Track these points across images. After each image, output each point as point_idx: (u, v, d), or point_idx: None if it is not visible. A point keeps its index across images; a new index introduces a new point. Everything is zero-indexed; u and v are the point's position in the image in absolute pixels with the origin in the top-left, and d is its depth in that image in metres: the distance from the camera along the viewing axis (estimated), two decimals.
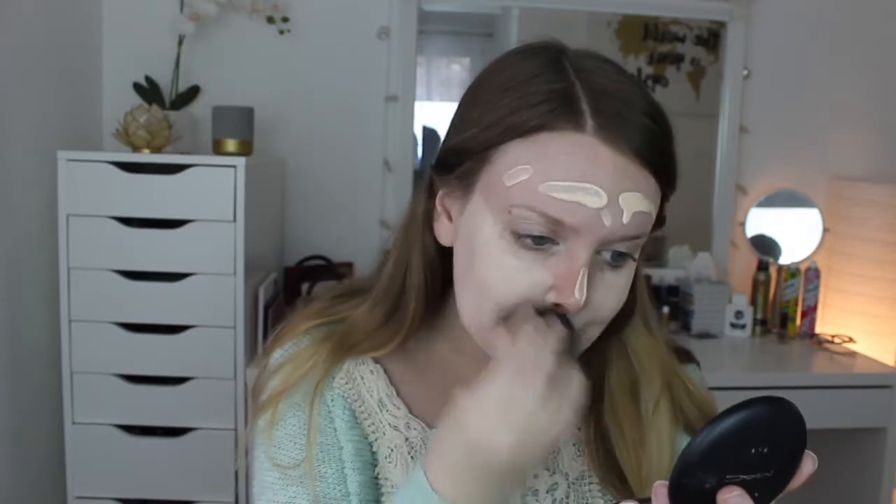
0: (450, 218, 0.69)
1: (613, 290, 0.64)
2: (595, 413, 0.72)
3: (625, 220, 0.61)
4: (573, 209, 0.60)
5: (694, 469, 0.51)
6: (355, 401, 0.72)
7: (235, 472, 1.88)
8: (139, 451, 1.86)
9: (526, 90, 0.62)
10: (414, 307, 0.71)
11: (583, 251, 0.61)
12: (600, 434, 0.72)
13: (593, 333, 0.66)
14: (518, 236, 0.61)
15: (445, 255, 0.70)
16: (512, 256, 0.62)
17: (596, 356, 0.71)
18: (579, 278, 0.60)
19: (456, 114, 0.69)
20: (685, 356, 0.81)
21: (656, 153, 0.62)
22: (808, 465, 0.52)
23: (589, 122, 0.60)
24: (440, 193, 0.69)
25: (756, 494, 0.51)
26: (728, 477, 0.51)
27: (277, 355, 0.75)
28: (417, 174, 2.42)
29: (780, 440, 0.51)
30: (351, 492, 0.69)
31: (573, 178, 0.60)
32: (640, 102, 0.63)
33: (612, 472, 0.72)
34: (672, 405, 0.74)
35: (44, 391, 1.91)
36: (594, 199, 0.60)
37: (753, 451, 0.50)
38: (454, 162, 0.66)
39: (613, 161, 0.60)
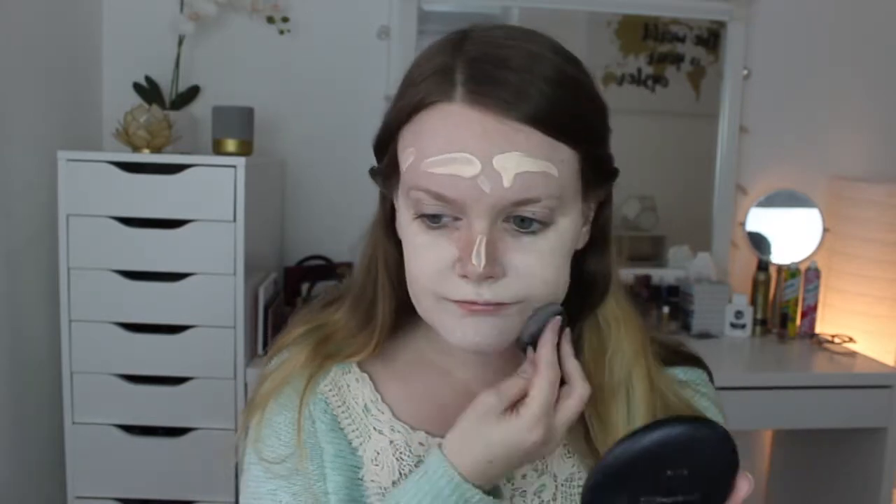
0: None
1: (535, 254, 0.62)
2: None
3: (506, 183, 0.59)
4: (450, 182, 0.60)
5: (602, 489, 0.49)
6: (338, 407, 0.74)
7: (235, 472, 1.88)
8: (139, 451, 1.86)
9: (415, 73, 0.64)
10: (383, 308, 0.72)
11: (477, 220, 0.60)
12: (585, 430, 0.70)
13: (537, 299, 0.64)
14: (420, 217, 0.63)
15: None
16: (422, 237, 0.63)
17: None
18: (475, 246, 0.60)
19: None
20: (692, 361, 0.79)
21: (541, 108, 0.60)
22: (744, 486, 0.51)
23: (458, 90, 0.60)
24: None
25: None
26: (643, 499, 0.48)
27: (273, 364, 0.77)
28: None
29: (702, 463, 0.48)
30: (330, 490, 0.71)
31: (444, 150, 0.60)
32: (521, 60, 0.61)
33: None
34: (648, 376, 0.70)
35: (44, 391, 1.91)
36: (466, 167, 0.59)
37: (670, 472, 0.48)
38: (379, 156, 0.69)
39: (482, 123, 0.59)
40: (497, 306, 0.62)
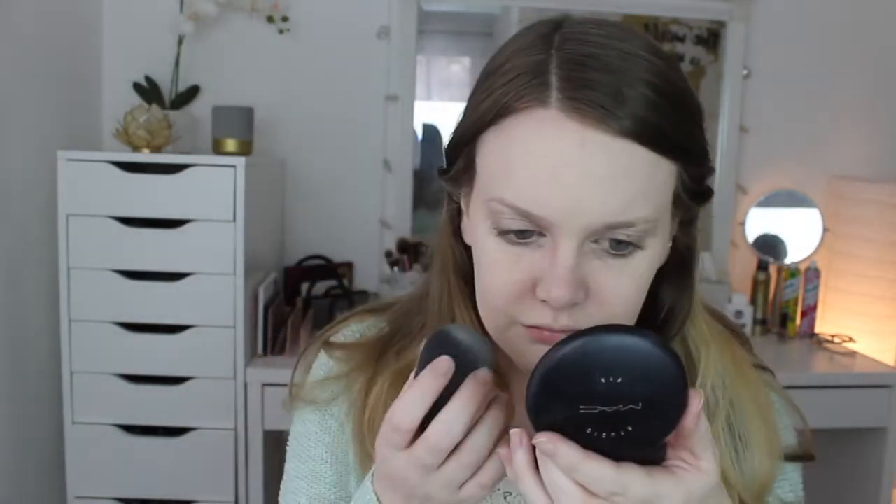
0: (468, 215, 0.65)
1: (623, 278, 0.56)
2: None
3: (603, 204, 0.53)
4: (542, 199, 0.53)
5: (541, 396, 0.48)
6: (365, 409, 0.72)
7: (235, 472, 1.88)
8: (139, 451, 1.86)
9: (504, 70, 0.56)
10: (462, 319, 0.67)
11: (566, 242, 0.54)
12: None
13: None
14: (500, 232, 0.57)
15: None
16: (500, 253, 0.57)
17: None
18: (561, 272, 0.54)
19: None
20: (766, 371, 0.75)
21: (645, 122, 0.53)
22: (694, 401, 0.49)
23: (554, 95, 0.53)
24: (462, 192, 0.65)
25: (629, 428, 0.48)
26: (582, 408, 0.48)
27: (334, 352, 0.75)
28: (418, 174, 2.42)
29: (638, 371, 0.47)
30: (350, 495, 0.70)
31: (536, 163, 0.53)
32: (626, 65, 0.54)
33: None
34: (753, 399, 0.66)
35: (44, 391, 1.91)
36: (562, 184, 0.53)
37: (603, 380, 0.47)
38: (452, 158, 0.62)
39: (581, 135, 0.52)
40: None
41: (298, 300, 2.16)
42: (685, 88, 0.57)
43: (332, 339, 0.75)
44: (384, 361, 0.71)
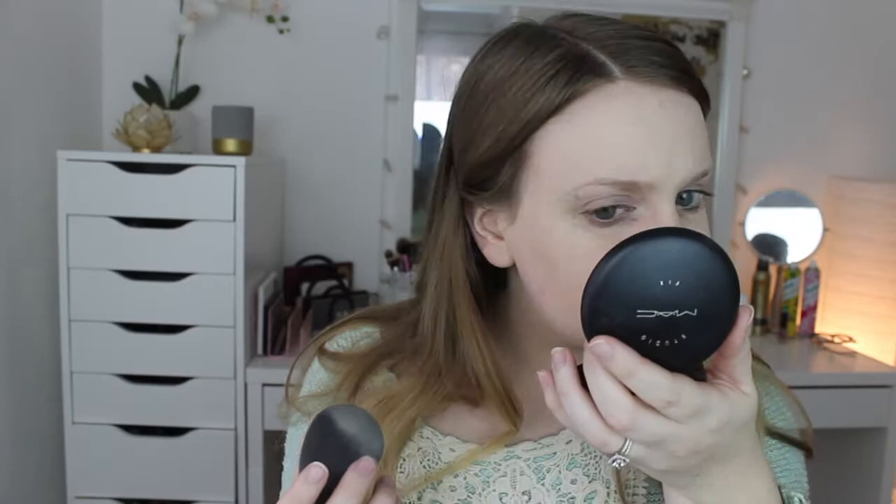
0: (498, 237, 0.63)
1: (702, 227, 0.58)
2: None
3: (693, 156, 0.56)
4: (643, 165, 0.54)
5: (599, 298, 0.48)
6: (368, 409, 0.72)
7: (235, 472, 1.88)
8: (139, 451, 1.86)
9: (531, 69, 0.57)
10: (486, 366, 0.67)
11: (666, 204, 0.55)
12: None
13: None
14: (591, 215, 0.56)
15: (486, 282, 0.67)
16: (598, 239, 0.56)
17: None
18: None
19: (461, 134, 0.63)
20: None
21: (685, 71, 0.57)
22: (744, 316, 0.49)
23: (615, 69, 0.56)
24: (477, 217, 0.64)
25: (683, 336, 0.48)
26: (640, 312, 0.47)
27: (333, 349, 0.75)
28: (418, 174, 2.42)
29: (695, 275, 0.47)
30: None
31: (629, 133, 0.55)
32: (642, 31, 0.58)
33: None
34: None
35: (44, 391, 1.91)
36: (658, 146, 0.55)
37: (662, 283, 0.47)
38: (487, 175, 0.61)
39: (656, 96, 0.55)
40: None
41: (298, 300, 2.17)
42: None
43: (326, 345, 0.75)
44: (375, 374, 0.71)
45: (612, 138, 0.55)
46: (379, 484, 0.56)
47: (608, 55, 0.56)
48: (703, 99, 0.60)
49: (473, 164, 0.61)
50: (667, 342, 0.48)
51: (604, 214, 0.56)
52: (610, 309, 0.48)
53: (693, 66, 0.60)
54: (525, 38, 0.59)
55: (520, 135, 0.58)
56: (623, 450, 0.50)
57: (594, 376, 0.49)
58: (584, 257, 0.56)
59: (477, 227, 0.65)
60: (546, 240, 0.58)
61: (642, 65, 0.56)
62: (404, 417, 0.67)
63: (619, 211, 0.56)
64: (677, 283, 0.47)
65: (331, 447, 0.54)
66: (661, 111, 0.55)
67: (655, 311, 0.47)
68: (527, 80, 0.57)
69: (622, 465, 0.51)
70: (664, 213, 0.55)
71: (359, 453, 0.54)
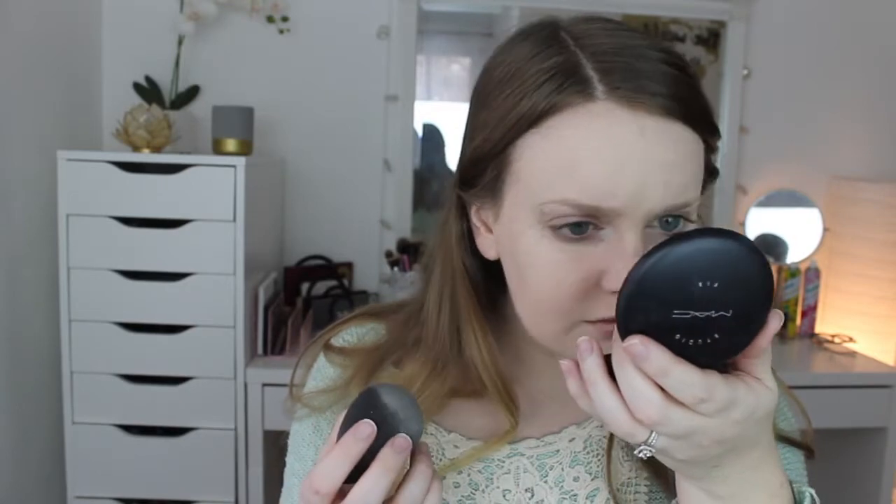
0: (489, 229, 0.64)
1: None
2: None
3: (670, 189, 0.54)
4: (610, 192, 0.53)
5: (637, 298, 0.48)
6: None
7: (235, 472, 1.88)
8: (139, 451, 1.86)
9: (526, 74, 0.57)
10: (483, 358, 0.67)
11: (632, 230, 0.54)
12: None
13: None
14: (557, 230, 0.56)
15: (489, 273, 0.67)
16: (558, 253, 0.56)
17: None
18: (630, 261, 0.52)
19: (466, 124, 0.64)
20: None
21: (684, 101, 0.55)
22: (774, 321, 0.49)
23: (599, 88, 0.54)
24: (474, 208, 0.65)
25: (716, 336, 0.48)
26: (676, 312, 0.47)
27: (342, 340, 0.76)
28: (418, 174, 2.42)
29: (733, 276, 0.47)
30: None
31: (601, 158, 0.53)
32: (652, 52, 0.56)
33: (667, 475, 0.66)
34: None
35: (44, 391, 1.91)
36: (628, 175, 0.53)
37: (700, 284, 0.47)
38: (475, 172, 0.62)
39: (637, 122, 0.53)
40: None
41: (298, 300, 2.17)
42: (687, 62, 0.58)
43: (332, 341, 0.76)
44: (382, 370, 0.71)
45: (583, 160, 0.54)
46: (415, 459, 0.56)
47: (598, 71, 0.54)
48: (708, 132, 0.58)
49: (466, 160, 0.63)
50: (700, 341, 0.48)
51: (577, 230, 0.56)
52: (646, 308, 0.48)
53: (704, 99, 0.57)
54: (535, 39, 0.58)
55: (503, 140, 0.58)
56: (649, 441, 0.50)
57: (624, 371, 0.50)
58: (543, 268, 0.57)
59: (473, 217, 0.65)
60: (517, 244, 0.59)
61: (629, 87, 0.53)
62: (419, 400, 0.68)
63: (590, 228, 0.56)
64: (715, 284, 0.47)
65: (373, 419, 0.54)
66: (641, 139, 0.53)
67: (692, 312, 0.47)
68: (519, 84, 0.57)
69: (648, 455, 0.51)
70: (628, 241, 0.55)
71: (397, 429, 0.54)
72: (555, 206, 0.55)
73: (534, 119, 0.56)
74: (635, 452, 0.52)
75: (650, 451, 0.51)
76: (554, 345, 0.60)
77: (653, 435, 0.50)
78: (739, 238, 0.48)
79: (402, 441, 0.54)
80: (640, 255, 0.51)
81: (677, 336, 0.48)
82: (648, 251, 0.48)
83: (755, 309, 0.48)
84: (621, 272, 0.52)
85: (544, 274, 0.57)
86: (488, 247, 0.65)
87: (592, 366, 0.51)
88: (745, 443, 0.52)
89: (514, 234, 0.59)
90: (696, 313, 0.47)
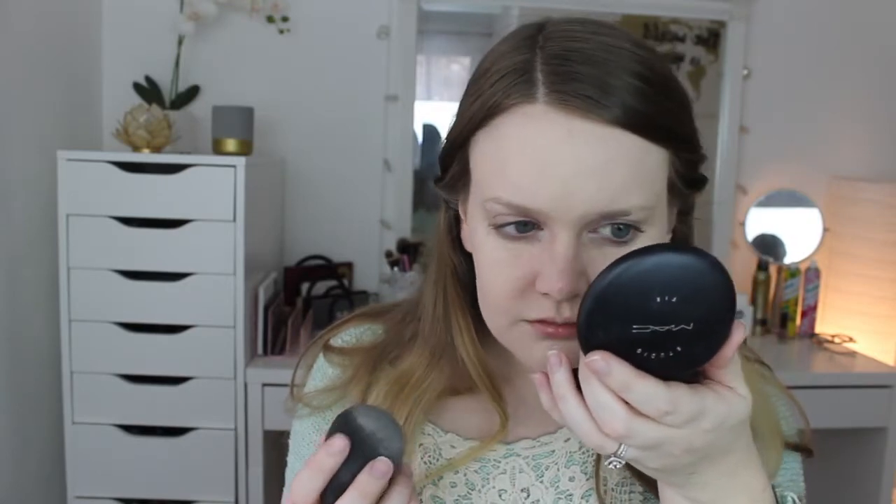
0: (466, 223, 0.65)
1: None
2: None
3: (602, 193, 0.53)
4: (533, 193, 0.54)
5: (596, 314, 0.48)
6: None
7: (235, 471, 1.88)
8: (139, 450, 1.86)
9: (489, 72, 0.57)
10: (460, 341, 0.68)
11: (562, 234, 0.54)
12: None
13: None
14: (499, 228, 0.57)
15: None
16: (500, 251, 0.57)
17: None
18: (560, 264, 0.54)
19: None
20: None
21: (631, 106, 0.53)
22: (738, 333, 0.50)
23: (540, 90, 0.54)
24: (458, 201, 0.65)
25: (678, 349, 0.48)
26: (636, 327, 0.48)
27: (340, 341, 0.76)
28: (418, 174, 2.42)
29: (693, 290, 0.47)
30: None
31: (526, 158, 0.54)
32: (610, 56, 0.54)
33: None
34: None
35: (44, 391, 1.91)
36: (550, 177, 0.53)
37: (658, 299, 0.47)
38: (444, 165, 0.63)
39: (568, 126, 0.53)
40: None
41: (298, 300, 2.17)
42: (670, 76, 0.58)
43: (331, 342, 0.76)
44: (380, 369, 0.71)
45: (511, 161, 0.55)
46: (394, 479, 0.55)
47: (546, 73, 0.54)
48: (672, 142, 0.56)
49: (442, 151, 0.64)
50: (662, 354, 0.49)
51: (523, 229, 0.56)
52: (605, 323, 0.49)
53: (668, 110, 0.56)
54: (515, 39, 0.59)
55: (461, 135, 0.59)
56: (619, 452, 0.51)
57: (589, 386, 0.50)
58: (487, 265, 0.59)
59: (460, 209, 0.66)
60: (474, 239, 0.61)
61: (567, 89, 0.53)
62: (418, 392, 0.68)
63: (533, 228, 0.56)
64: (674, 299, 0.47)
65: (351, 441, 0.54)
66: (568, 141, 0.53)
67: (651, 326, 0.48)
68: (482, 83, 0.58)
69: (618, 466, 0.52)
70: (559, 244, 0.54)
71: (377, 450, 0.54)
72: (492, 205, 0.56)
73: (482, 118, 0.57)
74: (605, 463, 0.53)
75: (619, 462, 0.52)
76: (502, 340, 0.61)
77: (622, 446, 0.51)
78: (700, 253, 0.48)
79: (381, 466, 0.53)
80: (569, 260, 0.53)
81: (639, 350, 0.49)
82: (608, 266, 0.49)
83: (717, 322, 0.49)
84: (551, 275, 0.54)
85: (487, 270, 0.59)
86: (467, 237, 0.66)
87: (560, 380, 0.52)
88: (718, 451, 0.52)
89: (472, 229, 0.61)
90: (656, 327, 0.48)
